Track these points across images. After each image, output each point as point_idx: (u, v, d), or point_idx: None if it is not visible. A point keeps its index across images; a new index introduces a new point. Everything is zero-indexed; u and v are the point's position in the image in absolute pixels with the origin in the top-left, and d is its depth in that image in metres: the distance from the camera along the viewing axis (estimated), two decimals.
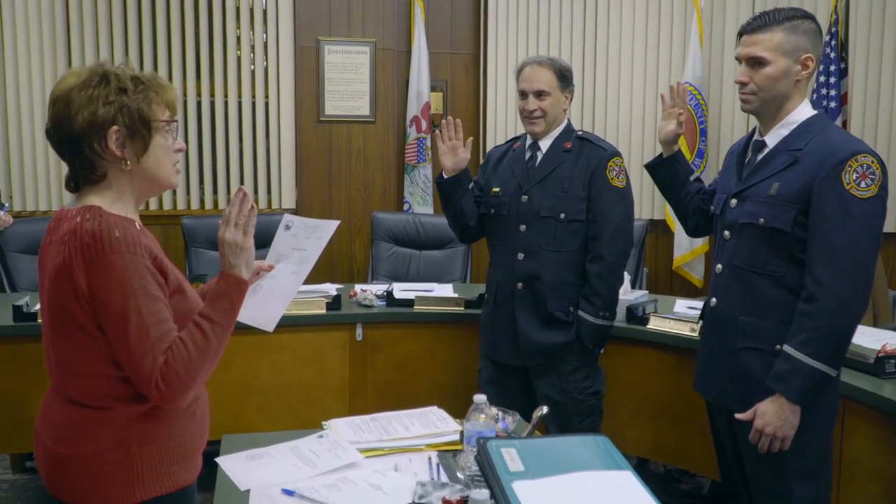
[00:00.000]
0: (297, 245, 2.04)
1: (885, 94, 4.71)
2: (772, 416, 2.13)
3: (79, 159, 1.66)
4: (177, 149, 1.77)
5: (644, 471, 3.95)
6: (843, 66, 4.71)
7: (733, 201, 2.31)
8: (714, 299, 2.39)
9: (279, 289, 2.02)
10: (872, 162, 2.07)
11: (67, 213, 1.66)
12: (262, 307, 2.01)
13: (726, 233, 2.33)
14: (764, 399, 2.16)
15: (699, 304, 3.59)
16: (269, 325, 2.03)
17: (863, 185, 2.05)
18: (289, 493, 1.82)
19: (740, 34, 2.27)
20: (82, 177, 1.69)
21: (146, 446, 1.67)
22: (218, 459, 2.00)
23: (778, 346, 2.17)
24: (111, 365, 1.63)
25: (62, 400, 1.69)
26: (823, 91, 4.65)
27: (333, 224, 2.01)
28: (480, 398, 1.96)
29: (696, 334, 3.17)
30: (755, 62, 2.21)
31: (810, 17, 2.21)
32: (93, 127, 1.63)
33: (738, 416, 2.21)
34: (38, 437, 1.73)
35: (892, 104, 4.70)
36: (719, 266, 2.37)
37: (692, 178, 2.68)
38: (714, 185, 2.57)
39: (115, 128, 1.64)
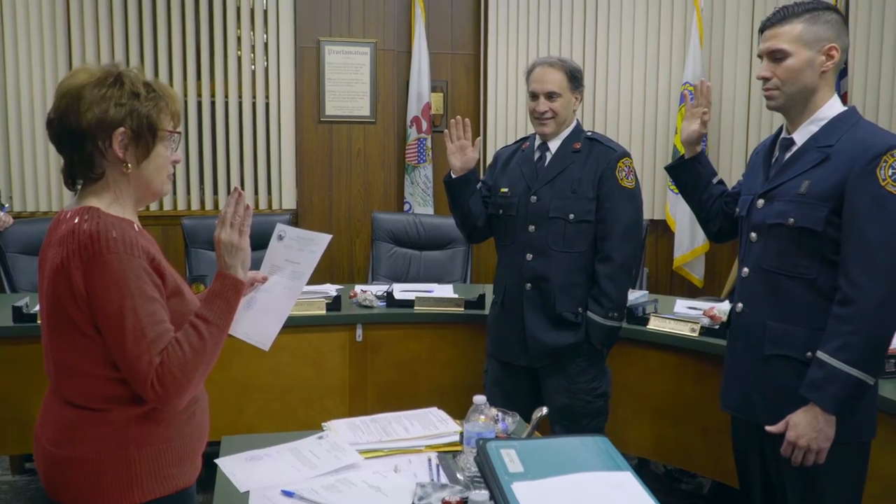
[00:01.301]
0: (290, 257, 2.02)
1: (885, 94, 4.70)
2: (805, 427, 2.02)
3: (78, 155, 1.66)
4: (174, 160, 1.77)
5: (644, 471, 3.94)
6: (842, 65, 4.71)
7: (760, 201, 2.22)
8: (740, 304, 2.27)
9: (274, 304, 2.00)
10: None
11: (66, 215, 1.67)
12: (257, 322, 1.99)
13: (753, 234, 2.23)
14: (792, 409, 2.05)
15: (700, 304, 3.60)
16: (265, 343, 2.00)
17: None
18: (288, 494, 1.81)
19: (761, 31, 2.19)
20: (79, 173, 1.69)
21: (145, 448, 1.67)
22: (217, 461, 2.00)
23: (809, 354, 2.07)
24: (108, 366, 1.63)
25: (61, 402, 1.69)
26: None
27: (326, 238, 1.98)
28: (480, 399, 1.96)
29: (696, 334, 3.17)
30: (776, 55, 2.13)
31: (832, 8, 2.13)
32: (101, 125, 1.64)
33: (768, 428, 2.09)
34: (38, 438, 1.73)
35: (891, 104, 4.69)
36: (745, 269, 2.25)
37: (715, 180, 2.57)
38: (738, 188, 2.48)
39: (121, 129, 1.65)
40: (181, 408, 1.69)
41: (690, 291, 5.43)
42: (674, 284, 5.64)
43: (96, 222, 1.60)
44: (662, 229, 5.60)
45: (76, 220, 1.61)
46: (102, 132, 1.64)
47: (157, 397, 1.60)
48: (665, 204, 5.52)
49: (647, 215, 5.52)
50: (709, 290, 5.44)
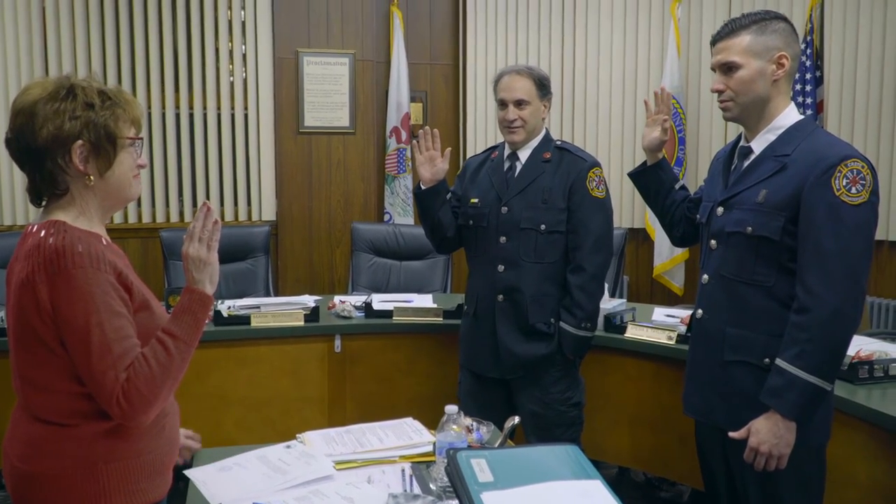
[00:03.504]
0: (285, 461, 2.02)
1: (860, 102, 4.75)
2: (767, 433, 2.05)
3: (40, 173, 1.65)
4: (139, 164, 1.76)
5: (624, 479, 3.95)
6: (818, 74, 4.75)
7: (719, 209, 2.25)
8: (700, 311, 2.30)
9: (244, 485, 1.92)
10: (863, 167, 2.00)
11: (32, 229, 1.66)
12: (221, 487, 1.91)
13: (713, 242, 2.26)
14: (752, 414, 2.08)
15: (678, 311, 3.61)
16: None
17: (853, 190, 1.99)
18: None
19: (712, 44, 2.23)
20: (44, 190, 1.68)
21: (114, 464, 1.65)
22: (187, 472, 1.97)
23: (767, 360, 2.11)
24: (75, 381, 1.62)
25: (28, 417, 1.67)
26: (799, 99, 4.69)
27: None
28: (452, 409, 1.95)
29: (673, 342, 3.18)
30: (727, 68, 2.17)
31: (781, 18, 2.16)
32: (57, 141, 1.62)
33: (731, 434, 2.12)
34: (6, 454, 1.71)
35: (867, 112, 4.74)
36: (705, 276, 2.28)
37: (677, 186, 2.61)
38: (700, 193, 2.51)
39: (79, 143, 1.63)
40: (146, 424, 1.68)
41: (670, 299, 5.45)
42: (654, 292, 5.66)
43: (62, 236, 1.58)
44: (642, 237, 5.62)
45: (42, 235, 1.60)
46: (60, 148, 1.63)
47: (122, 413, 1.59)
48: (645, 212, 5.54)
49: (626, 224, 5.55)
50: (688, 297, 5.46)
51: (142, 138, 1.77)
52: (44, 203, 1.71)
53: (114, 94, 1.70)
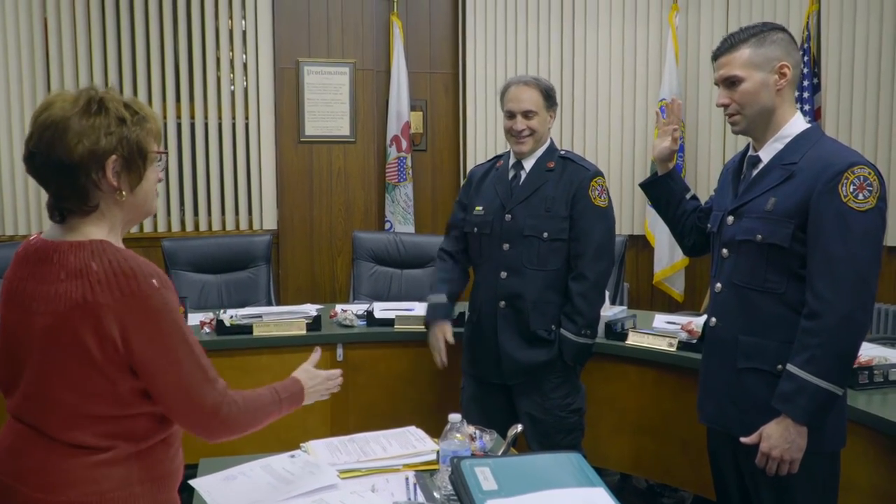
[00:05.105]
0: (289, 470, 2.05)
1: (858, 108, 4.78)
2: (778, 438, 2.07)
3: (71, 188, 1.59)
4: (158, 179, 1.75)
5: (626, 486, 3.96)
6: (815, 81, 4.78)
7: (730, 218, 2.27)
8: (713, 319, 2.31)
9: (252, 495, 1.95)
10: (869, 173, 2.03)
11: (62, 246, 1.59)
12: (228, 498, 1.95)
13: (724, 251, 2.28)
14: (766, 421, 2.10)
15: (679, 318, 3.62)
16: None
17: (860, 197, 2.01)
18: None
19: (713, 59, 2.26)
20: (72, 206, 1.61)
21: (147, 484, 1.62)
22: (192, 482, 1.99)
23: (780, 366, 2.11)
24: (118, 405, 1.58)
25: (46, 443, 1.59)
26: (797, 106, 4.70)
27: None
28: (455, 417, 1.97)
29: (674, 349, 3.19)
30: (731, 82, 2.20)
31: (778, 28, 2.19)
32: (93, 156, 1.57)
33: (743, 440, 2.13)
34: (9, 487, 1.61)
35: (864, 118, 4.77)
36: (718, 285, 2.30)
37: (688, 195, 2.61)
38: (710, 203, 2.52)
39: (113, 157, 1.59)
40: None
41: (671, 306, 5.47)
42: (654, 299, 5.68)
43: (122, 256, 1.56)
44: (642, 244, 5.64)
45: (90, 255, 1.55)
46: (95, 163, 1.58)
47: (217, 424, 1.64)
48: (644, 219, 5.57)
49: (626, 231, 5.57)
50: (689, 304, 5.48)
51: (165, 152, 1.77)
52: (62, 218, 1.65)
53: (138, 107, 1.67)
